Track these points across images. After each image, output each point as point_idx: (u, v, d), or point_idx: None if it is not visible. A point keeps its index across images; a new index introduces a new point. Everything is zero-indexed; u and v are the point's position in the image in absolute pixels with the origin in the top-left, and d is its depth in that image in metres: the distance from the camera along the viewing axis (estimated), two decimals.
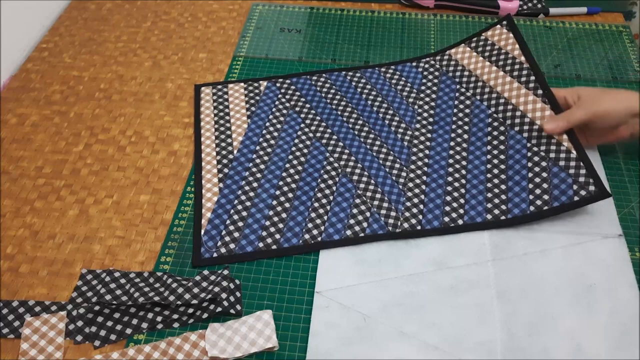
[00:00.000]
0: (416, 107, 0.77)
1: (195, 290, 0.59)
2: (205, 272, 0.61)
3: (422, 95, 0.79)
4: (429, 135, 0.74)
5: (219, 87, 0.82)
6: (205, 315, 0.59)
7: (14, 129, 0.78)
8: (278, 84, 0.81)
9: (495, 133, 0.72)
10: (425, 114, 0.76)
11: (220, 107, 0.80)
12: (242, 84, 0.82)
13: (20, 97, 0.82)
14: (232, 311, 0.59)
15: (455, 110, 0.76)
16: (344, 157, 0.72)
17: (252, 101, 0.79)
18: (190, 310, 0.59)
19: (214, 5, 0.99)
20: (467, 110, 0.75)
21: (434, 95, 0.78)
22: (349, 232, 0.64)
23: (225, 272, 0.61)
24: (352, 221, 0.65)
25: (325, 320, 0.58)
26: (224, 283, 0.59)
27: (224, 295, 0.59)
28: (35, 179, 0.72)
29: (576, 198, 0.63)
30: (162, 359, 0.56)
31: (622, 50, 0.87)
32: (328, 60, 0.86)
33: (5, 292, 0.61)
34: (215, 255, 0.63)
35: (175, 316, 0.59)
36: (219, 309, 0.59)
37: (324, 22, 0.93)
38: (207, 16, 0.97)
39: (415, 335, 0.57)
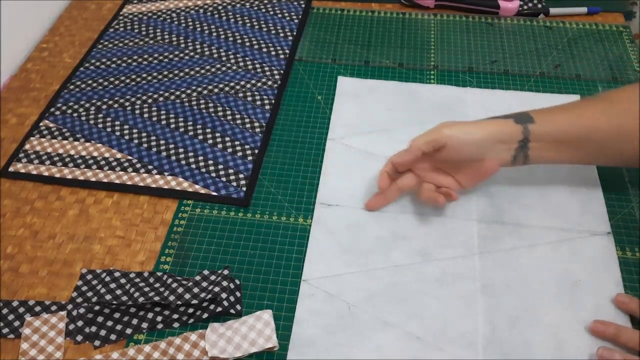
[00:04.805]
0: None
1: (195, 290, 0.59)
2: (206, 272, 0.61)
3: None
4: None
5: None
6: (205, 315, 0.59)
7: (14, 129, 0.78)
8: None
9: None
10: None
11: None
12: None
13: (20, 97, 0.82)
14: (232, 311, 0.59)
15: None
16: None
17: None
18: (190, 310, 0.59)
19: None
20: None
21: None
22: None
23: (226, 272, 0.61)
24: None
25: (310, 308, 0.59)
26: (224, 283, 0.59)
27: (224, 295, 0.59)
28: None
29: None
30: (162, 359, 0.56)
31: (622, 50, 0.87)
32: (328, 60, 0.86)
33: (5, 292, 0.61)
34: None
35: (175, 316, 0.59)
36: (219, 309, 0.59)
37: (324, 22, 0.93)
38: None
39: (398, 325, 0.58)
